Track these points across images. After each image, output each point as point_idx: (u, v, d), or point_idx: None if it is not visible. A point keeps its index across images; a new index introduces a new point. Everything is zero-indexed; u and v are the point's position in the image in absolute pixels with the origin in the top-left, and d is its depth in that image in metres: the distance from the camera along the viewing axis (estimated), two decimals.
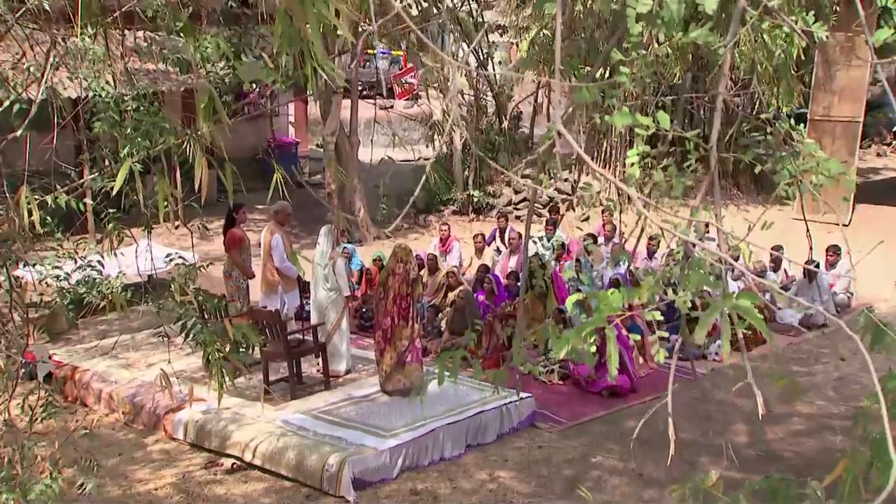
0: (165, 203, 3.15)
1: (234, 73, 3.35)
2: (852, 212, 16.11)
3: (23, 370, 8.61)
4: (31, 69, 3.63)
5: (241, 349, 4.26)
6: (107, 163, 3.93)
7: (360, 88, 19.10)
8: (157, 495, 7.21)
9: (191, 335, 3.91)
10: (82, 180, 4.11)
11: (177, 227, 14.90)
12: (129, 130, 3.38)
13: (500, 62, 17.96)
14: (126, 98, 3.68)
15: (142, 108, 3.56)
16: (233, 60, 2.84)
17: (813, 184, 3.42)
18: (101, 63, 3.78)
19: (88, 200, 3.49)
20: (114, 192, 3.09)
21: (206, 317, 4.06)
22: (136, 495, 7.21)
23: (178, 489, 7.29)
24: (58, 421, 6.86)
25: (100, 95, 3.78)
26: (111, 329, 11.12)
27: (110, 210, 3.82)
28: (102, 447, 7.91)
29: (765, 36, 14.90)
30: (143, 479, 7.49)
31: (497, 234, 13.57)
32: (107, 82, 3.94)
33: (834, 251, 12.05)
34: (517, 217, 16.21)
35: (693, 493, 2.82)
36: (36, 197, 3.35)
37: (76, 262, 4.11)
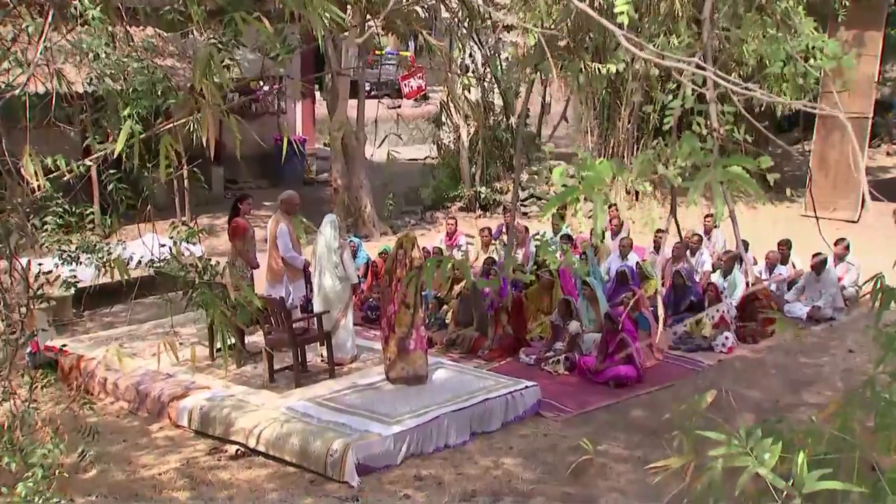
0: (168, 163, 3.13)
1: (235, 37, 3.32)
2: (861, 209, 16.05)
3: (27, 358, 8.66)
4: (30, 30, 3.62)
5: (242, 311, 4.24)
6: (108, 124, 3.92)
7: (367, 89, 19.13)
8: (162, 480, 7.20)
9: (192, 297, 3.90)
10: (86, 161, 4.10)
11: (183, 224, 14.89)
12: (130, 90, 3.36)
13: (506, 59, 17.93)
14: (126, 59, 3.67)
15: (144, 69, 3.55)
16: (232, 12, 2.82)
17: (811, 65, 3.39)
18: (100, 26, 3.77)
19: (89, 162, 3.49)
20: (115, 155, 3.07)
21: (208, 282, 4.04)
22: (140, 480, 7.20)
23: (182, 474, 7.28)
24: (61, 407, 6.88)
25: (97, 55, 3.76)
26: (117, 321, 11.14)
27: (110, 171, 3.81)
28: (107, 434, 7.91)
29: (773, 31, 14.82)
30: (148, 464, 7.48)
31: (504, 228, 13.56)
32: (106, 44, 3.93)
33: (842, 245, 11.99)
34: (524, 213, 16.21)
35: (690, 414, 2.81)
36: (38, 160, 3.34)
37: (76, 225, 4.09)
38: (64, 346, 4.98)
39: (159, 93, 3.54)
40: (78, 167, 3.46)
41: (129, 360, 9.11)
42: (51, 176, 3.93)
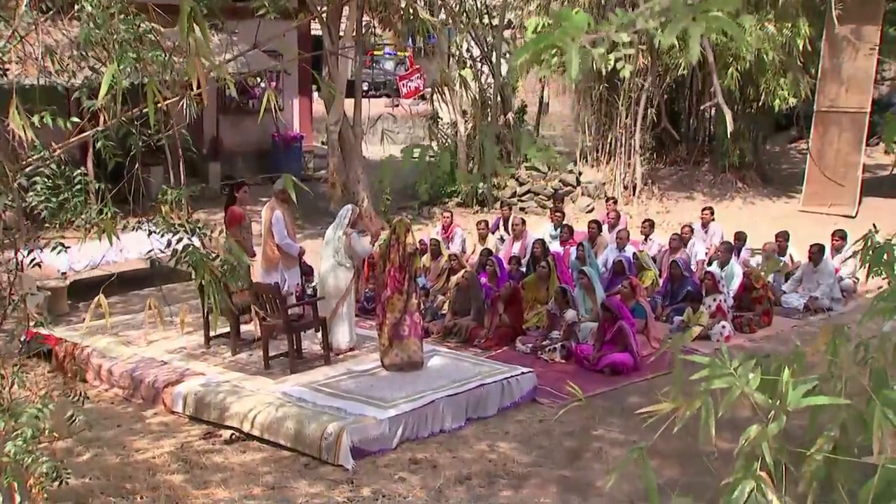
0: (156, 123, 3.10)
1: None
2: (859, 204, 16.06)
3: (21, 346, 8.59)
4: None
5: (233, 271, 4.21)
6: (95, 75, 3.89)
7: (365, 88, 19.15)
8: (156, 463, 7.16)
9: (181, 256, 3.86)
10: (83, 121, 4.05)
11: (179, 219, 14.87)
12: (118, 38, 3.34)
13: (505, 54, 17.94)
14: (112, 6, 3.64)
15: (131, 18, 3.52)
16: None
17: None
18: None
19: (76, 119, 3.47)
20: (99, 100, 3.05)
21: (197, 242, 4.00)
22: (134, 463, 7.16)
23: (176, 458, 7.24)
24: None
25: (83, 7, 3.73)
26: (113, 311, 11.07)
27: (98, 129, 3.77)
28: (101, 419, 7.90)
29: (771, 26, 14.84)
30: (142, 448, 7.45)
31: (500, 222, 13.56)
32: None
33: (839, 236, 12.00)
34: (521, 209, 16.19)
35: (678, 343, 2.79)
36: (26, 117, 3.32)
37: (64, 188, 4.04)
38: (38, 325, 4.89)
39: (146, 46, 3.52)
40: (65, 123, 3.43)
41: (122, 349, 9.11)
42: (49, 151, 3.92)
